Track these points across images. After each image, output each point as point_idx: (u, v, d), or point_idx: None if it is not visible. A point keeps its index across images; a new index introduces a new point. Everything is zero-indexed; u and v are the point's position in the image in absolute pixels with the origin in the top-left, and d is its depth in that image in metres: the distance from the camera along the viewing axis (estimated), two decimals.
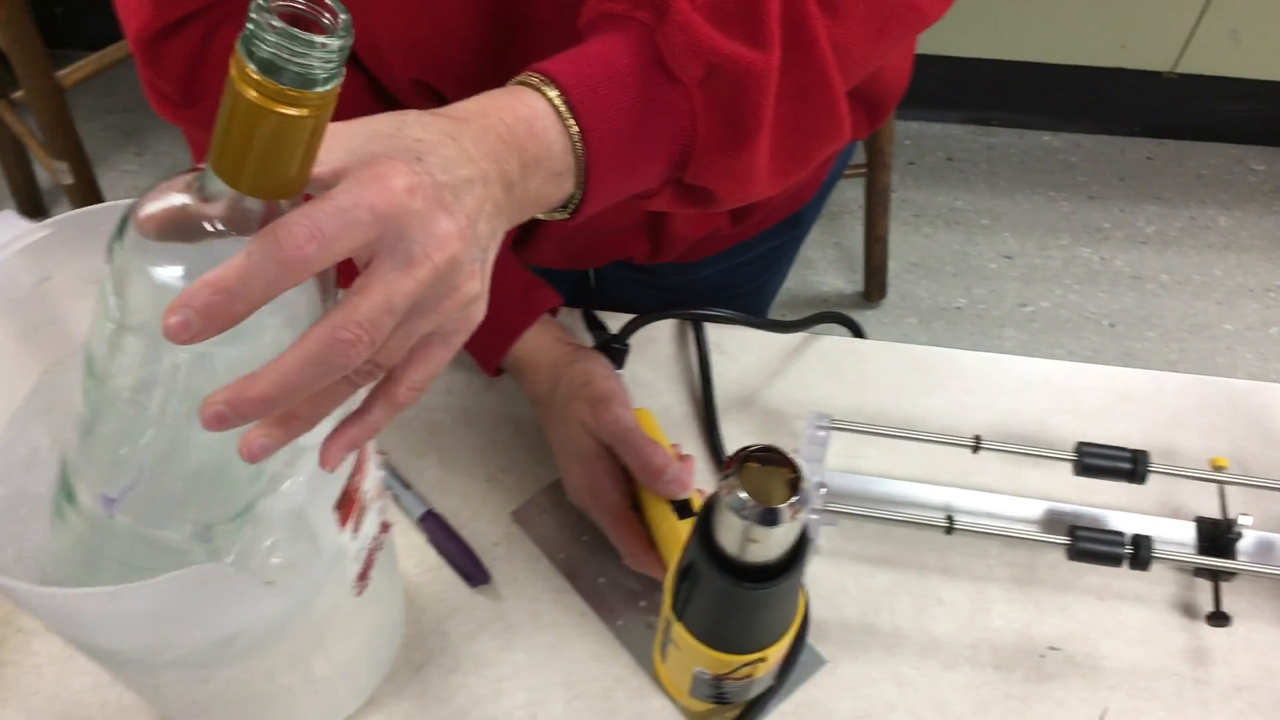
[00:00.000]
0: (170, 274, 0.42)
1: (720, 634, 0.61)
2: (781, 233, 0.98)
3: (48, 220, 0.53)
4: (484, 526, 0.77)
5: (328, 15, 0.37)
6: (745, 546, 0.55)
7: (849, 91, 0.61)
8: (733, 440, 0.81)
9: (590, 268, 1.01)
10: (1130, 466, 0.73)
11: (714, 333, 0.87)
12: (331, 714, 0.67)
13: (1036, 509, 0.78)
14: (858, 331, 0.89)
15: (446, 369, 0.47)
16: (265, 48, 0.36)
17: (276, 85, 0.36)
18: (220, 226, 0.41)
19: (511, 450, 0.81)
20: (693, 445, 0.81)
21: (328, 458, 0.45)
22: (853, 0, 0.58)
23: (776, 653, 0.63)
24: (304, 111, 0.37)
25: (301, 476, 0.52)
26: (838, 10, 0.58)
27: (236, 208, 0.41)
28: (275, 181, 0.39)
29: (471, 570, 0.74)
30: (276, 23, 0.35)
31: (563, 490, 0.77)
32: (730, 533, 0.55)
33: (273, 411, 0.41)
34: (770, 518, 0.53)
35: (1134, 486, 0.76)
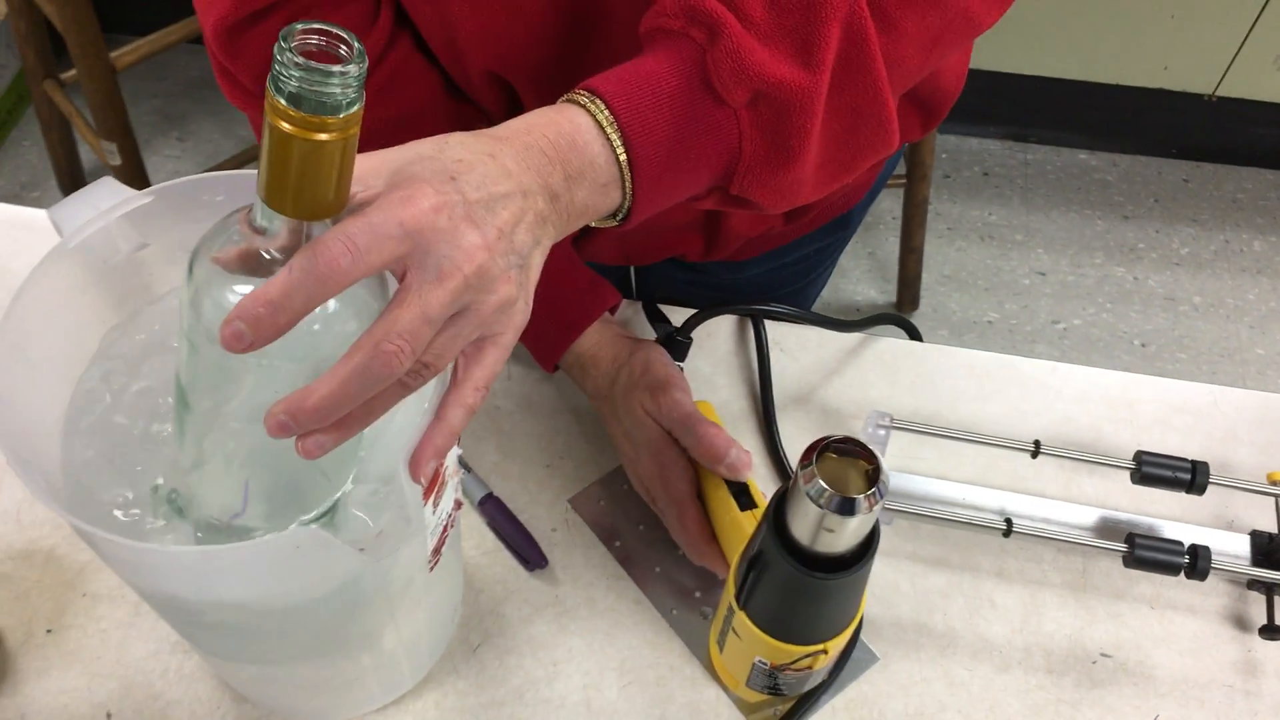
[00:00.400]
0: (237, 298, 0.45)
1: (784, 624, 0.61)
2: (830, 233, 0.98)
3: (150, 188, 0.53)
4: (542, 512, 0.78)
5: (344, 47, 0.40)
6: (819, 536, 0.55)
7: (904, 94, 0.61)
8: (790, 436, 0.81)
9: (645, 264, 1.02)
10: (1190, 477, 0.74)
11: (773, 330, 0.87)
12: (392, 689, 0.68)
13: (1092, 516, 0.78)
14: (915, 334, 0.89)
15: (508, 358, 0.51)
16: (290, 82, 0.39)
17: (303, 114, 0.40)
18: (275, 253, 0.45)
19: (570, 438, 0.81)
20: (750, 441, 0.82)
21: (418, 468, 0.48)
22: (908, 13, 0.59)
23: (837, 646, 0.63)
24: (331, 136, 0.40)
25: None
26: (895, 27, 0.58)
27: (286, 233, 0.44)
28: (315, 203, 0.43)
29: (530, 554, 0.75)
30: (298, 59, 0.39)
31: (620, 480, 0.78)
32: (805, 521, 0.55)
33: (330, 419, 0.44)
34: (848, 507, 0.53)
35: (1187, 498, 0.76)
